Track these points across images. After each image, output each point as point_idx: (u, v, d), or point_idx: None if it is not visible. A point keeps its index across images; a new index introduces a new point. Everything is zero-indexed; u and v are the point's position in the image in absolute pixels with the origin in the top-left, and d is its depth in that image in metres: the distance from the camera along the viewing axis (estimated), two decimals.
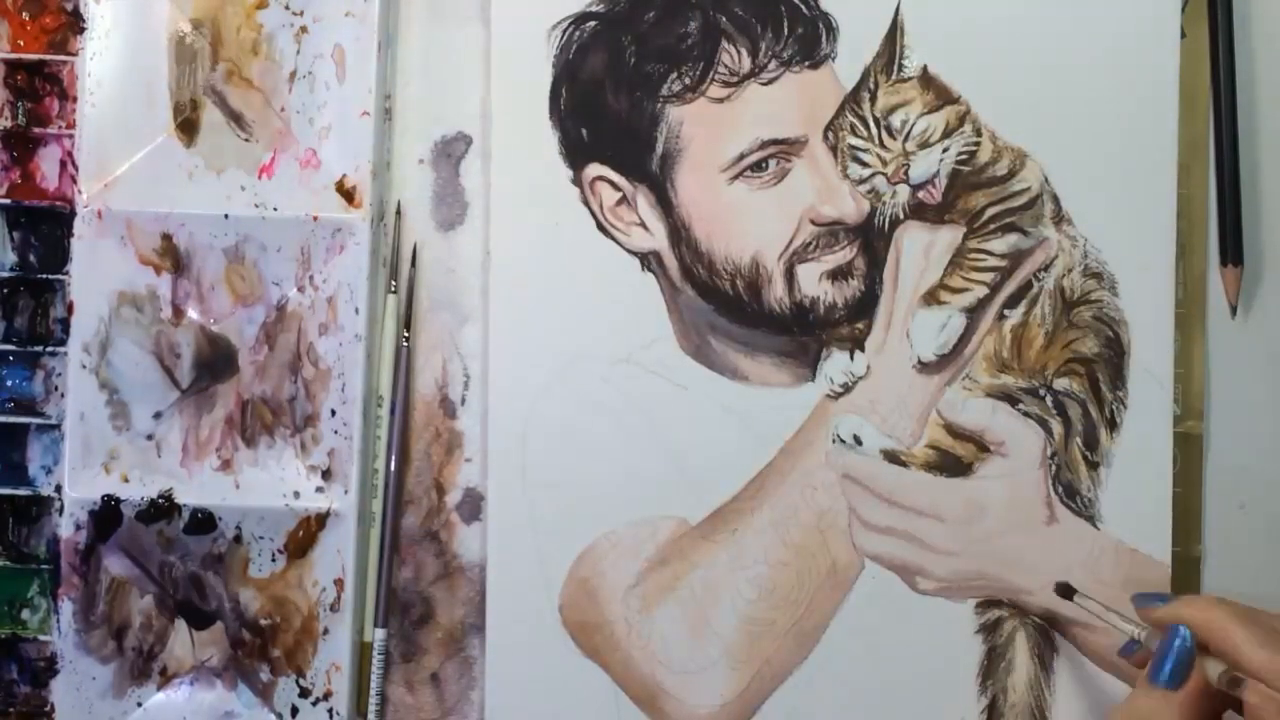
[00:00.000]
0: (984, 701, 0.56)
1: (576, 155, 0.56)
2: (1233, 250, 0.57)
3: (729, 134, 0.56)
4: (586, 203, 0.56)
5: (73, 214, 0.56)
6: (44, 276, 0.56)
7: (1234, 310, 0.57)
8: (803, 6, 0.56)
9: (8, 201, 0.56)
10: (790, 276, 0.56)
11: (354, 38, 0.56)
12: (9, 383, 0.56)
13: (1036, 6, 0.56)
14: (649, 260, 0.57)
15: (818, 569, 0.56)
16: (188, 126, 0.56)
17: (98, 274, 0.56)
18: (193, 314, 0.56)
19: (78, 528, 0.55)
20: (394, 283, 0.57)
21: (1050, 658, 0.56)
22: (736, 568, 0.56)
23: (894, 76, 0.56)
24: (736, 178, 0.56)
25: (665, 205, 0.56)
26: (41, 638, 0.56)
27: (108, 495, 0.55)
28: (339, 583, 0.55)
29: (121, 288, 0.56)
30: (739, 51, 0.56)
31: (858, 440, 0.56)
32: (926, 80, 0.56)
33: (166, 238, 0.56)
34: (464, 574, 0.57)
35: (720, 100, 0.56)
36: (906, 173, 0.56)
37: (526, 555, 0.56)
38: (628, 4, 0.56)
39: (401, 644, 0.57)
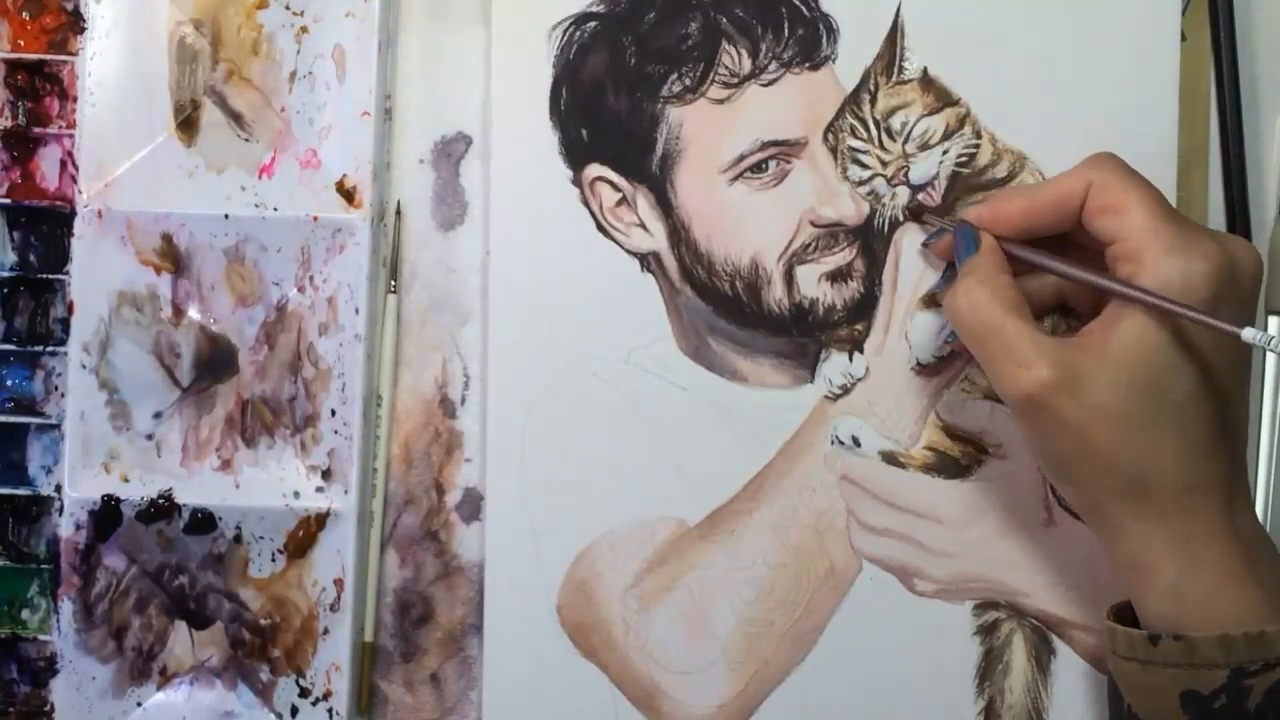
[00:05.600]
0: (981, 703, 0.56)
1: (576, 155, 0.56)
2: None
3: (729, 135, 0.56)
4: (586, 203, 0.56)
5: (73, 214, 0.56)
6: (44, 276, 0.56)
7: None
8: (803, 8, 0.56)
9: (8, 201, 0.56)
10: (789, 278, 0.56)
11: (354, 38, 0.56)
12: (9, 383, 0.57)
13: (1037, 9, 0.56)
14: (649, 261, 0.57)
15: (816, 570, 0.56)
16: (188, 126, 0.56)
17: (98, 274, 0.56)
18: (193, 314, 0.56)
19: (78, 528, 0.55)
20: (394, 283, 0.57)
21: (1047, 660, 0.56)
22: (734, 569, 0.56)
23: (894, 78, 0.56)
24: (736, 179, 0.56)
25: (665, 206, 0.56)
26: (41, 637, 0.56)
27: (108, 495, 0.55)
28: (339, 583, 0.55)
29: (121, 288, 0.56)
30: (739, 53, 0.56)
31: (856, 442, 0.56)
32: (927, 82, 0.56)
33: (167, 238, 0.56)
34: (464, 574, 0.57)
35: (720, 101, 0.56)
36: (906, 175, 0.56)
37: (525, 555, 0.56)
38: (628, 4, 0.56)
39: (401, 644, 0.57)
